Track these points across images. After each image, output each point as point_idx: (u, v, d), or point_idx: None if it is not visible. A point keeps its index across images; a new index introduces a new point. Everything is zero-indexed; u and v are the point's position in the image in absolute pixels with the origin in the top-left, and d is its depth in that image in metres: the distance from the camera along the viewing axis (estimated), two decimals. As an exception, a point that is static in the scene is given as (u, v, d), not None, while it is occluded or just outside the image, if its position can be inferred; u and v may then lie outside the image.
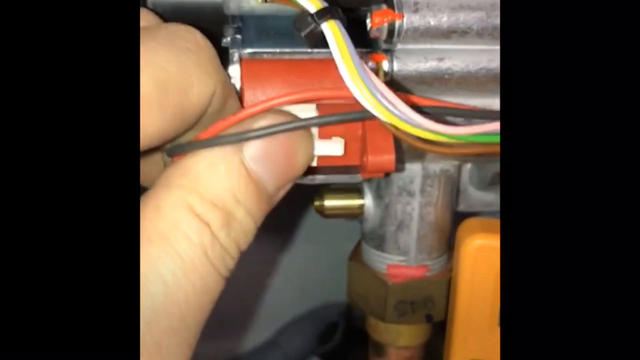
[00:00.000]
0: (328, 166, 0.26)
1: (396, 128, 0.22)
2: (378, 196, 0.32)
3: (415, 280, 0.33)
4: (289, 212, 0.55)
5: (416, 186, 0.31)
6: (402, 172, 0.31)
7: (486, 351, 0.31)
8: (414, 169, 0.31)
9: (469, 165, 0.34)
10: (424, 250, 0.33)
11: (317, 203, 0.33)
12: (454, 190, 0.33)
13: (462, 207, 0.35)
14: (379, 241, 0.33)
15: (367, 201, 0.33)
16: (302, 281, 0.60)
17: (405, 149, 0.30)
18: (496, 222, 0.33)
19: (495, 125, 0.20)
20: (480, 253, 0.30)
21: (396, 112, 0.21)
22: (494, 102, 0.28)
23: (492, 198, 0.35)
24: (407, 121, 0.21)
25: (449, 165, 0.32)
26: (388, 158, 0.25)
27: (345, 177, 0.30)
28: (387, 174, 0.31)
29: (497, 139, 0.20)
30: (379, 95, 0.21)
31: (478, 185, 0.35)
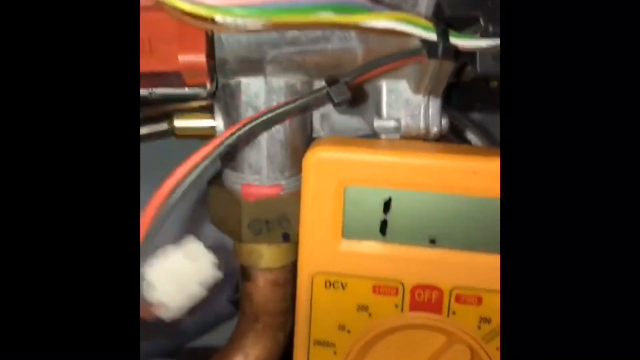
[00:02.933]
0: (150, 73, 0.26)
1: (174, 6, 0.21)
2: (227, 114, 0.32)
3: (268, 198, 0.33)
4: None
5: (261, 101, 0.31)
6: (242, 87, 0.30)
7: (331, 263, 0.31)
8: (257, 83, 0.31)
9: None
10: (276, 168, 0.33)
11: (168, 124, 0.33)
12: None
13: (327, 132, 0.36)
14: (232, 161, 0.33)
15: (218, 120, 0.33)
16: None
17: (239, 59, 0.29)
18: (348, 138, 0.33)
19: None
20: (321, 165, 0.30)
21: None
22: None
23: (357, 124, 0.36)
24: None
25: (295, 79, 0.31)
26: (198, 58, 0.25)
27: (185, 91, 0.30)
28: (211, 82, 0.30)
29: (266, 13, 0.20)
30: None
31: (339, 109, 0.35)
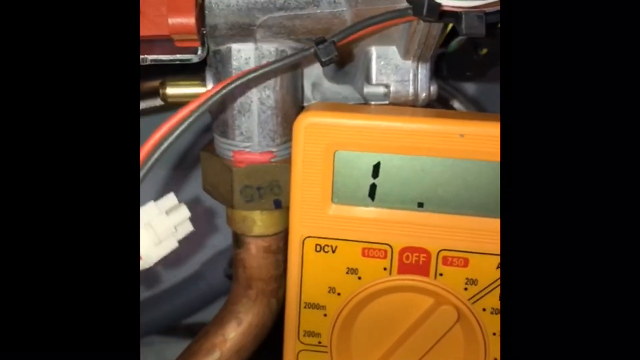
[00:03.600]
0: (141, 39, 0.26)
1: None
2: (218, 80, 0.33)
3: (259, 165, 0.34)
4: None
5: (251, 67, 0.32)
6: (230, 51, 0.31)
7: (321, 227, 0.32)
8: (247, 49, 0.31)
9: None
10: (267, 135, 0.33)
11: (160, 91, 0.33)
12: (297, 75, 0.33)
13: (318, 100, 0.36)
14: (224, 127, 0.34)
15: (209, 87, 0.33)
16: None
17: (228, 24, 0.30)
18: (338, 104, 0.34)
19: None
20: (310, 130, 0.30)
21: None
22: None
23: (348, 92, 0.36)
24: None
25: (285, 45, 0.32)
26: (188, 20, 0.25)
27: (176, 57, 0.30)
28: (203, 49, 0.30)
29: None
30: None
31: (329, 76, 0.36)
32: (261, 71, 0.26)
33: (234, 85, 0.26)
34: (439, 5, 0.23)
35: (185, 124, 0.25)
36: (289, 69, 0.32)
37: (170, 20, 0.25)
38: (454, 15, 0.25)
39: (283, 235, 0.37)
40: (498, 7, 0.26)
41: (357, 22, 0.25)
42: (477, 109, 0.36)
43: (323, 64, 0.25)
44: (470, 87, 0.44)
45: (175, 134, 0.25)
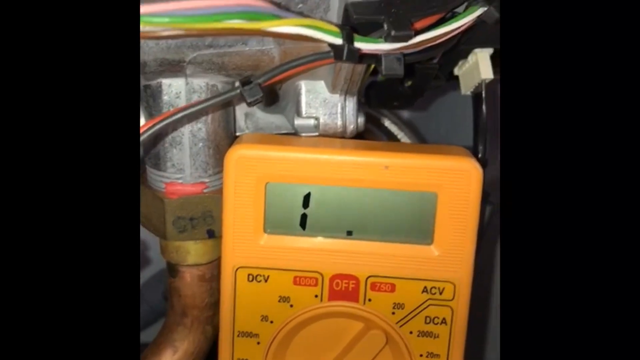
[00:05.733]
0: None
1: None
2: (149, 114, 0.33)
3: (192, 196, 0.34)
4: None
5: (182, 101, 0.32)
6: (161, 86, 0.31)
7: (253, 257, 0.32)
8: (177, 84, 0.32)
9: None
10: (199, 166, 0.34)
11: (91, 123, 0.33)
12: (229, 109, 0.34)
13: (251, 130, 0.37)
14: (155, 159, 0.34)
15: (142, 119, 0.34)
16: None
17: (158, 61, 0.30)
18: (269, 135, 0.35)
19: (165, 6, 0.21)
20: (241, 163, 0.31)
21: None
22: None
23: (280, 122, 0.37)
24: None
25: (216, 80, 0.32)
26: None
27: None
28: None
29: (174, 20, 0.21)
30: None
31: (261, 107, 0.36)
32: (191, 110, 0.27)
33: (165, 122, 0.27)
34: (359, 50, 0.25)
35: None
36: (219, 107, 0.33)
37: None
38: (374, 57, 0.26)
39: (217, 263, 0.38)
40: (416, 49, 0.27)
41: (282, 64, 0.26)
42: (408, 126, 0.38)
43: (249, 105, 0.26)
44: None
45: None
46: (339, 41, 0.24)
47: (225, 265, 0.33)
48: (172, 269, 0.37)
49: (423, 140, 0.52)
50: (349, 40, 0.24)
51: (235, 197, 0.31)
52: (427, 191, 0.31)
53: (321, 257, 0.32)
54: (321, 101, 0.33)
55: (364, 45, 0.25)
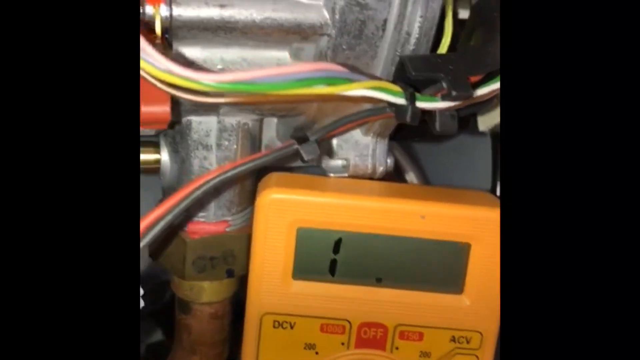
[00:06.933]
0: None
1: (156, 77, 0.20)
2: (174, 150, 0.31)
3: (214, 235, 0.33)
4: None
5: (212, 140, 0.31)
6: (192, 125, 0.30)
7: (280, 304, 0.31)
8: (209, 122, 0.30)
9: (275, 120, 0.34)
10: (223, 205, 0.32)
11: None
12: (255, 144, 0.33)
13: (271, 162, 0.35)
14: (177, 197, 0.32)
15: (164, 156, 0.32)
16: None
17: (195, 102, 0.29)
18: (298, 176, 0.33)
19: (249, 74, 0.20)
20: (274, 207, 0.30)
21: (152, 61, 0.20)
22: (282, 55, 0.28)
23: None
24: (154, 65, 0.20)
25: (247, 118, 0.31)
26: (162, 109, 0.24)
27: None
28: (172, 125, 0.29)
29: (252, 87, 0.20)
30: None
31: (284, 140, 0.35)
32: (244, 167, 0.25)
33: (214, 182, 0.25)
34: (421, 111, 0.24)
35: (167, 220, 0.24)
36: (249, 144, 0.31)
37: (144, 109, 0.23)
38: (427, 113, 0.26)
39: (230, 299, 0.36)
40: (467, 104, 0.27)
41: (338, 120, 0.25)
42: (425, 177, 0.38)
43: (305, 162, 0.25)
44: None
45: (155, 230, 0.23)
46: (402, 101, 0.24)
47: (250, 311, 0.31)
48: (185, 306, 0.35)
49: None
50: (412, 100, 0.24)
51: (266, 242, 0.30)
52: (461, 241, 0.31)
53: (350, 304, 0.31)
54: (353, 143, 0.32)
55: (424, 105, 0.24)
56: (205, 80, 0.20)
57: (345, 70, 0.21)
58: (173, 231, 0.32)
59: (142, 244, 0.23)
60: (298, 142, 0.25)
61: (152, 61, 0.19)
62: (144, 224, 0.23)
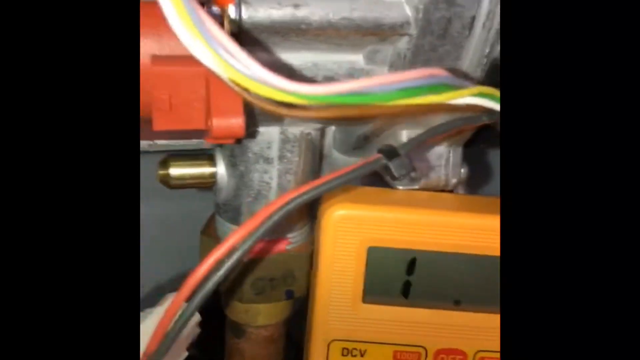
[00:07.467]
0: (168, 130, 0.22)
1: (241, 86, 0.18)
2: (232, 164, 0.29)
3: (274, 255, 0.30)
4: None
5: (274, 152, 0.28)
6: (256, 137, 0.27)
7: (349, 330, 0.29)
8: (271, 132, 0.28)
9: (332, 128, 0.31)
10: (284, 222, 0.30)
11: (161, 172, 0.29)
12: (316, 155, 0.30)
13: (327, 171, 0.33)
14: (234, 214, 0.30)
15: (220, 169, 0.29)
16: (162, 252, 0.56)
17: (259, 111, 0.26)
18: (363, 190, 0.31)
19: (355, 85, 0.17)
20: (342, 224, 0.27)
21: (240, 67, 0.17)
22: (357, 59, 0.25)
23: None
24: (252, 78, 0.17)
25: (311, 128, 0.28)
26: (236, 122, 0.21)
27: (191, 142, 0.26)
28: (239, 140, 0.27)
29: (357, 99, 0.17)
30: (216, 46, 0.17)
31: (342, 149, 0.32)
32: (326, 187, 0.22)
33: (295, 203, 0.22)
34: None
35: (241, 252, 0.21)
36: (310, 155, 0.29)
37: (216, 122, 0.20)
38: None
39: (286, 321, 0.34)
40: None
41: (428, 130, 0.22)
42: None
43: (394, 179, 0.22)
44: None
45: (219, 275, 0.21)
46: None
47: (316, 338, 0.29)
48: (238, 330, 0.33)
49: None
50: (516, 107, 0.21)
51: (334, 262, 0.28)
52: (547, 259, 0.28)
53: (425, 329, 0.29)
54: (424, 152, 0.30)
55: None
56: (308, 92, 0.17)
57: (447, 74, 0.18)
58: (229, 251, 0.30)
59: (212, 283, 0.21)
60: (386, 156, 0.22)
61: (250, 74, 0.16)
62: (212, 258, 0.21)
